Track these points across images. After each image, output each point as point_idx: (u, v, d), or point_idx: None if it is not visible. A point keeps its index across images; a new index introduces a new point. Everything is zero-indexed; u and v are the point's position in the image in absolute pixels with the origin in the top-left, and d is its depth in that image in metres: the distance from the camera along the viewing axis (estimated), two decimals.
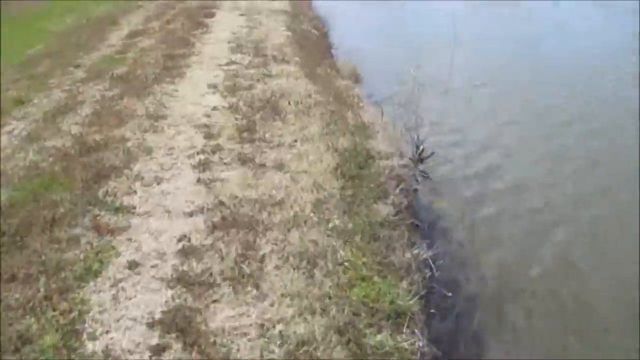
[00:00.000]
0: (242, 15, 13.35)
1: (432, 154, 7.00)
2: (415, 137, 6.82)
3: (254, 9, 14.10)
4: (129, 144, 6.28)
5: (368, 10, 19.88)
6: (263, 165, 5.78)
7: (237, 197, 5.18)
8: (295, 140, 6.39)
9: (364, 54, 13.21)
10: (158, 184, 5.46)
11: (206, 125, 6.76)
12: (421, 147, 6.74)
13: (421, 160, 6.63)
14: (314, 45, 11.30)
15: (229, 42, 10.76)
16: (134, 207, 5.04)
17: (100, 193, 5.26)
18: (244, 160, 5.85)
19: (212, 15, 13.34)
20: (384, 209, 5.18)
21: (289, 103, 7.42)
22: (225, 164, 5.83)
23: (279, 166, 5.78)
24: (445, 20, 15.24)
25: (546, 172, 7.50)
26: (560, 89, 10.42)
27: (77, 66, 9.92)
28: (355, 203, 5.19)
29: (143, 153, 6.06)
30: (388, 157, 6.19)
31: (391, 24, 17.15)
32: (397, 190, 5.62)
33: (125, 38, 11.52)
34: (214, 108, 7.32)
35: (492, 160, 7.77)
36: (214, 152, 6.06)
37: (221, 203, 5.06)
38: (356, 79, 10.43)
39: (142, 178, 5.56)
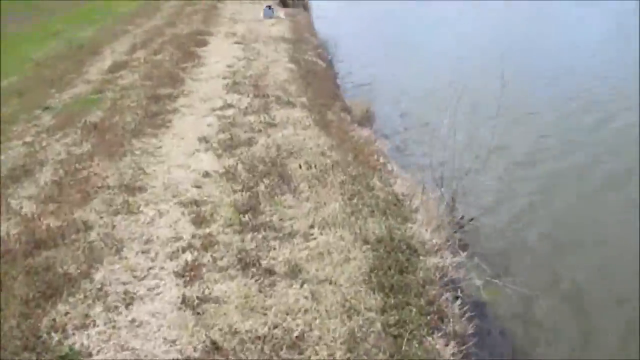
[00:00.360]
0: (238, 43, 11.83)
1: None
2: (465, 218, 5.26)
3: (252, 35, 12.60)
4: (93, 234, 4.69)
5: (372, 26, 18.53)
6: (271, 272, 4.20)
7: (236, 332, 3.60)
8: (312, 226, 4.82)
9: (377, 85, 11.77)
10: (127, 306, 3.87)
11: (195, 203, 5.18)
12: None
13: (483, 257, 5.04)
14: (321, 79, 9.78)
15: (224, 78, 9.21)
16: (90, 355, 3.44)
17: (44, 325, 3.67)
18: (245, 264, 4.27)
19: (204, 43, 11.81)
20: (443, 348, 3.62)
21: (300, 166, 5.87)
22: (220, 269, 4.25)
23: (294, 272, 4.20)
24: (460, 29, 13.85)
25: None
26: None
27: (47, 108, 8.35)
28: (402, 337, 3.63)
29: (110, 250, 4.47)
30: (436, 251, 4.63)
31: (400, 43, 15.76)
32: (456, 308, 4.07)
33: (106, 72, 9.95)
34: (206, 174, 5.75)
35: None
36: (205, 248, 4.48)
37: (215, 346, 3.48)
38: (371, 121, 8.93)
39: (106, 296, 3.97)
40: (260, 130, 6.90)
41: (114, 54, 11.44)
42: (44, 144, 6.86)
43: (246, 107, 7.75)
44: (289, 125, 7.12)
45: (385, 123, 9.05)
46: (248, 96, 8.27)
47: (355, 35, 16.99)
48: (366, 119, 9.02)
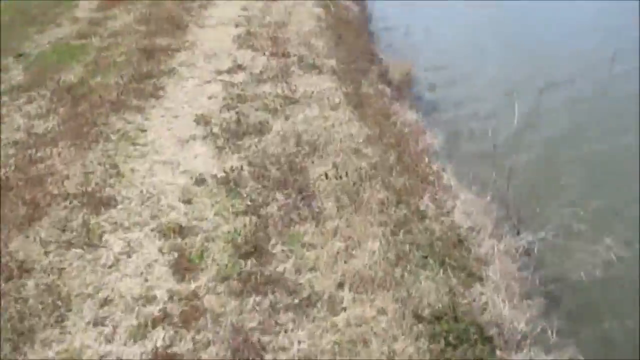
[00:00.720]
0: None
1: None
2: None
3: None
4: (30, 285, 3.25)
5: None
6: None
7: None
8: (341, 284, 3.34)
9: (421, 38, 9.85)
10: None
11: (181, 231, 3.69)
12: None
13: None
14: (354, 31, 7.96)
15: (236, 26, 7.45)
16: None
17: None
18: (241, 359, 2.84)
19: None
20: None
21: (326, 175, 4.30)
22: None
23: None
24: None
25: None
26: None
27: (20, 55, 6.76)
28: None
29: (49, 318, 3.04)
30: (521, 344, 3.14)
31: None
32: None
33: (97, 9, 8.21)
34: (200, 180, 4.22)
35: None
36: (186, 322, 3.03)
37: None
38: (412, 90, 7.19)
39: None
40: (276, 110, 5.28)
41: None
42: (3, 111, 5.34)
43: (260, 72, 6.08)
44: (313, 103, 5.48)
45: (428, 94, 7.28)
46: (264, 54, 6.57)
47: None
48: (406, 85, 7.28)
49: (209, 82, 5.85)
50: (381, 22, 10.68)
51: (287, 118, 5.17)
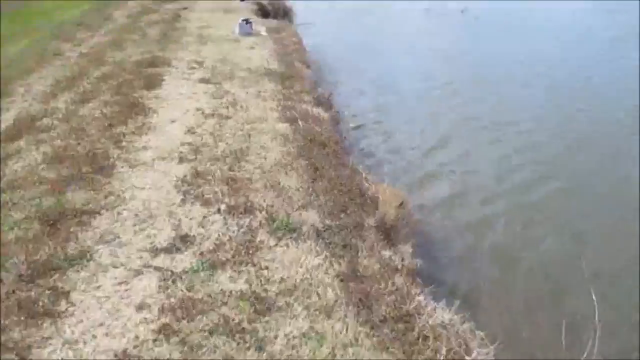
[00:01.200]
0: (205, 82, 8.14)
1: None
2: None
3: (224, 67, 8.89)
4: None
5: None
6: None
7: None
8: None
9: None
10: None
11: None
12: None
13: None
14: (331, 154, 6.18)
15: (180, 161, 5.57)
16: None
17: None
18: None
19: (157, 81, 8.08)
20: None
21: None
22: None
23: None
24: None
25: None
26: None
27: None
28: None
29: None
30: None
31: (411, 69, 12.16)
32: None
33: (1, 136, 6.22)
34: None
35: None
36: None
37: None
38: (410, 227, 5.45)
39: None
40: (242, 333, 3.34)
41: (25, 97, 7.66)
42: None
43: (215, 246, 4.17)
44: (296, 306, 3.58)
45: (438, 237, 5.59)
46: (219, 210, 4.68)
47: (352, 48, 13.46)
48: (402, 220, 5.54)
49: (138, 274, 3.88)
50: (352, 121, 9.15)
51: (259, 349, 3.23)
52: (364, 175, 5.86)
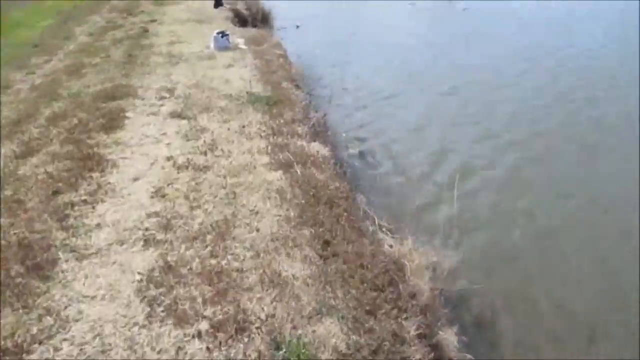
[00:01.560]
0: (176, 116, 6.67)
1: None
2: None
3: (200, 94, 7.41)
4: None
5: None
6: None
7: None
8: None
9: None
10: None
11: None
12: None
13: None
14: (345, 219, 4.76)
15: (144, 245, 4.14)
16: None
17: None
18: None
19: (119, 120, 6.59)
20: None
21: None
22: None
23: None
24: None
25: None
26: None
27: None
28: None
29: None
30: None
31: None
32: None
33: None
34: None
35: None
36: None
37: None
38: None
39: None
40: None
41: None
42: None
43: None
44: None
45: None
46: (199, 334, 3.27)
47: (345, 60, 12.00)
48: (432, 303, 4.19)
49: None
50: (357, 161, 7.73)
51: None
52: (386, 245, 4.46)
